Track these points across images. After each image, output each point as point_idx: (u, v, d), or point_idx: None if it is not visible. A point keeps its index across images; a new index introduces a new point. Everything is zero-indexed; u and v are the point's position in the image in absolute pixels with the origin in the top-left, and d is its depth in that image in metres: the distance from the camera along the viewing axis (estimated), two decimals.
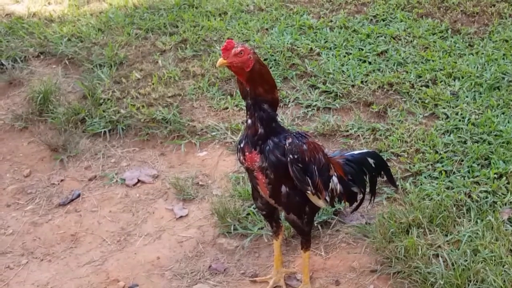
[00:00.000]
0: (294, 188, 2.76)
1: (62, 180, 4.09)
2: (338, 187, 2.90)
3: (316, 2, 5.63)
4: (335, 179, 2.88)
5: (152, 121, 4.36)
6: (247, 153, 2.71)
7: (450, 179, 3.61)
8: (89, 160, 4.22)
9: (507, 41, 4.80)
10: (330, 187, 2.85)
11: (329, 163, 2.86)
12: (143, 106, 4.46)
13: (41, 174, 4.15)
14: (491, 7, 5.25)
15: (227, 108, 4.41)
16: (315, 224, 3.45)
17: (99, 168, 4.15)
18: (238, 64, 2.58)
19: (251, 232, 3.47)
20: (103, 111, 4.48)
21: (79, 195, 3.94)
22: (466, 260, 3.05)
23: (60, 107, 4.58)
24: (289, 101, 4.39)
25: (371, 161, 3.08)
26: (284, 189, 2.78)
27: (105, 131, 4.37)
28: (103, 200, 3.88)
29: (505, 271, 2.97)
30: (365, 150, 3.22)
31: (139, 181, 4.01)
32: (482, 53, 4.68)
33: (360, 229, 3.42)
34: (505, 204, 3.42)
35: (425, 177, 3.66)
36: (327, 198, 2.85)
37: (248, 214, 3.55)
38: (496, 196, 3.48)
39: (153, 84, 4.69)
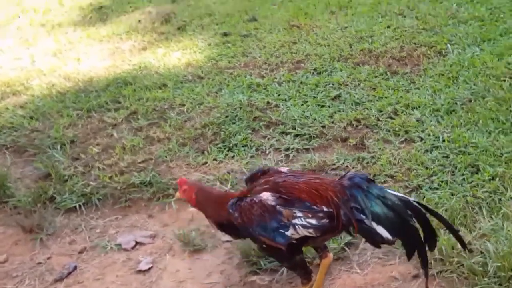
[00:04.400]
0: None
1: (48, 258, 3.86)
2: (310, 223, 2.81)
3: (252, 65, 5.91)
4: (298, 221, 2.82)
5: (131, 187, 4.26)
6: None
7: (450, 187, 3.85)
8: (70, 235, 4.04)
9: (442, 74, 5.29)
10: (289, 235, 2.83)
11: (278, 213, 2.82)
12: (116, 175, 4.36)
13: (21, 257, 3.89)
14: (414, 51, 5.79)
15: (206, 163, 4.44)
16: (342, 245, 3.51)
17: (85, 240, 3.97)
18: (187, 200, 3.14)
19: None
20: (72, 186, 4.33)
21: (75, 267, 3.73)
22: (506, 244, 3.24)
23: (19, 190, 4.39)
24: (266, 148, 4.51)
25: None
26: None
27: (79, 205, 4.21)
28: (104, 267, 3.70)
29: None
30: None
31: (137, 243, 3.87)
32: (425, 87, 5.11)
33: None
34: (508, 200, 3.70)
35: (426, 190, 3.88)
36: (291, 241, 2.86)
37: None
38: (498, 194, 3.74)
39: (117, 154, 4.63)
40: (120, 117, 5.17)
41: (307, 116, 4.82)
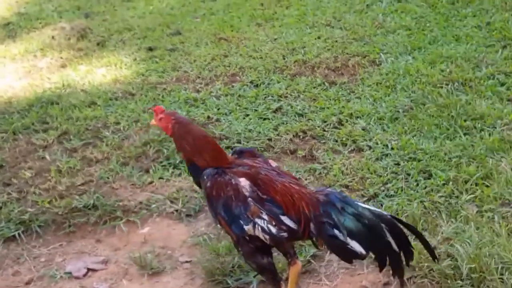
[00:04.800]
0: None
1: None
2: (269, 230, 2.88)
3: (185, 80, 5.90)
4: (260, 222, 2.88)
5: (73, 211, 4.15)
6: None
7: (406, 194, 4.00)
8: (12, 266, 3.87)
9: (380, 83, 5.49)
10: (245, 229, 2.91)
11: (246, 205, 2.89)
12: (55, 199, 4.24)
13: None
14: (348, 60, 5.98)
15: (152, 182, 4.39)
16: (308, 258, 3.57)
17: (30, 270, 3.82)
18: (162, 129, 3.17)
19: (248, 280, 3.46)
20: (8, 214, 4.16)
21: None
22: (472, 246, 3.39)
23: None
24: None
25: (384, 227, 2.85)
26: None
27: (18, 234, 4.05)
28: None
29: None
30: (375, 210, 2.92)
31: (89, 270, 3.77)
32: (365, 96, 5.28)
33: None
34: (465, 203, 3.87)
35: (383, 198, 4.00)
36: (243, 237, 2.94)
37: (238, 266, 3.54)
38: (454, 198, 3.92)
39: (53, 177, 4.49)
40: (50, 138, 5.02)
41: (251, 130, 4.86)
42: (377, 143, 4.58)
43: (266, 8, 7.90)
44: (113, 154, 4.71)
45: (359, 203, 2.91)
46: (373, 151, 4.50)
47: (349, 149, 4.57)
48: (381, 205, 3.92)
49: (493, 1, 7.16)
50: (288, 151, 4.59)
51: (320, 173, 4.32)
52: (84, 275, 3.74)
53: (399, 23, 6.81)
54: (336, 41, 6.50)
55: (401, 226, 2.87)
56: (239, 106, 5.27)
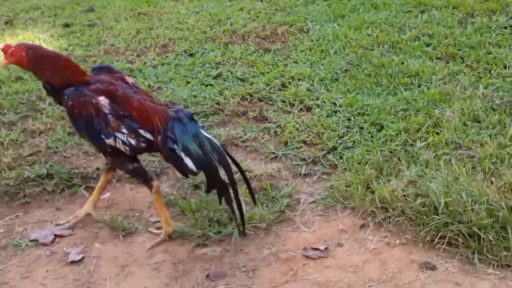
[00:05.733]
0: None
1: None
2: (129, 142, 3.29)
3: (115, 52, 5.87)
4: (120, 136, 3.27)
5: (26, 181, 4.06)
6: None
7: (364, 145, 4.21)
8: None
9: (312, 48, 5.71)
10: (107, 143, 3.30)
11: (106, 121, 3.25)
12: (4, 171, 4.13)
13: None
14: (277, 29, 6.17)
15: None
16: (283, 208, 3.70)
17: None
18: (16, 62, 3.27)
19: (228, 232, 3.54)
20: None
21: None
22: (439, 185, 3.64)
23: None
24: None
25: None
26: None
27: None
28: (28, 265, 3.49)
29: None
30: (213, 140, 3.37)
31: (56, 236, 3.71)
32: (302, 60, 5.48)
33: (323, 201, 3.78)
34: (420, 149, 4.14)
35: (342, 150, 4.20)
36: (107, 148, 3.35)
37: (216, 220, 3.61)
38: (408, 146, 4.18)
39: None
40: None
41: (196, 95, 4.93)
42: (324, 102, 4.77)
43: None
44: (57, 125, 4.63)
45: (202, 130, 3.32)
46: (322, 109, 4.68)
47: (298, 108, 4.73)
48: (342, 156, 4.11)
49: None
50: (239, 113, 4.69)
51: (275, 131, 4.46)
52: (52, 242, 3.67)
53: None
54: (260, 12, 6.68)
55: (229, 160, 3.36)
56: (178, 74, 5.31)
